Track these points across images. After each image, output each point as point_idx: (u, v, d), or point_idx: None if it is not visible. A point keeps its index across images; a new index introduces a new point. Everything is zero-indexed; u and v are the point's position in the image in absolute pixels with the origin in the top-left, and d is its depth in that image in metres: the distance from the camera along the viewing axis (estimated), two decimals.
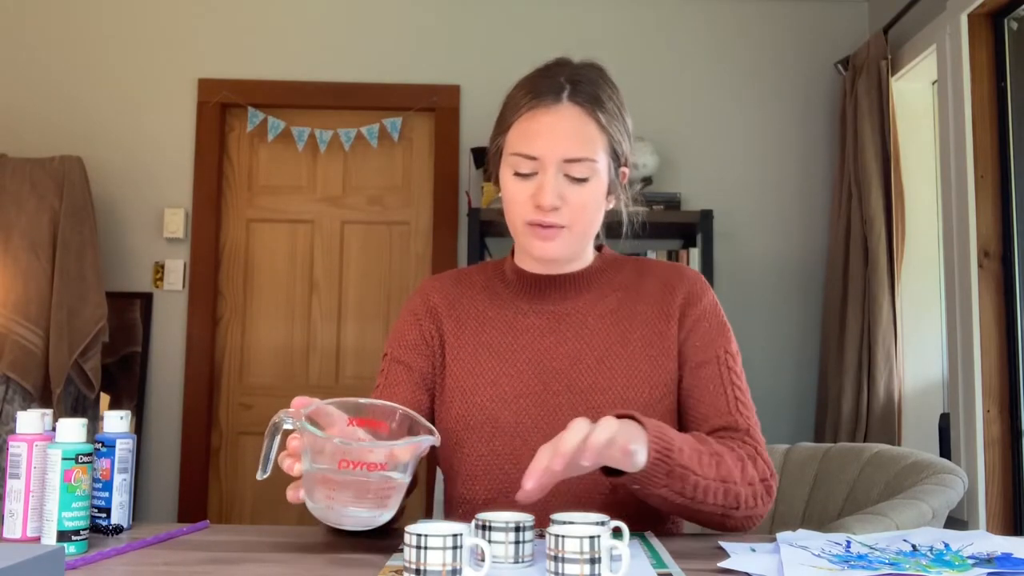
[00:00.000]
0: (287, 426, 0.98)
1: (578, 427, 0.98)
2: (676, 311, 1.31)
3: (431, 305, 1.36)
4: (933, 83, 2.98)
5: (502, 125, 1.26)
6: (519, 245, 1.32)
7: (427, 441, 0.99)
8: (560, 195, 1.21)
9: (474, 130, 3.32)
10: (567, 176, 1.21)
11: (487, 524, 0.97)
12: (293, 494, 1.01)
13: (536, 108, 1.21)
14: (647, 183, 3.11)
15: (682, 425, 1.30)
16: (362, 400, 1.06)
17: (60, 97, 3.36)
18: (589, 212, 1.24)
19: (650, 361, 1.28)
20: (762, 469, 1.20)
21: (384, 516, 0.99)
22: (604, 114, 1.23)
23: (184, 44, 3.40)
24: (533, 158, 1.21)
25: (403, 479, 0.99)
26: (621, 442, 1.01)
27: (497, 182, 1.29)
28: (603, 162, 1.23)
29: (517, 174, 1.23)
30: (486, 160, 1.37)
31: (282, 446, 1.02)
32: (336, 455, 0.95)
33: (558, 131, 1.20)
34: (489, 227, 2.99)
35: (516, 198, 1.24)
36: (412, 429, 1.04)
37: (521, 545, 0.96)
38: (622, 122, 1.26)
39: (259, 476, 0.99)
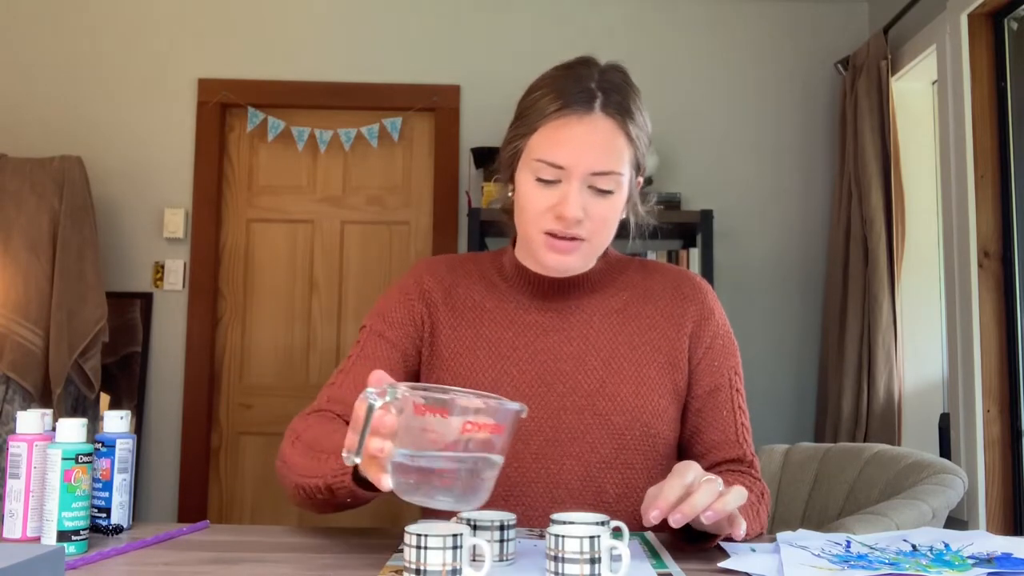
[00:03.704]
0: (377, 404, 0.86)
1: (708, 488, 0.95)
2: (688, 323, 1.29)
3: (424, 288, 1.30)
4: (933, 83, 2.98)
5: (525, 127, 1.20)
6: (531, 253, 1.26)
7: (512, 407, 0.86)
8: (583, 207, 1.17)
9: (474, 130, 3.31)
10: (591, 188, 1.17)
11: (472, 522, 0.97)
12: (377, 475, 0.87)
13: (567, 116, 1.16)
14: (647, 183, 3.11)
15: (684, 440, 1.30)
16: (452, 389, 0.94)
17: (60, 97, 3.36)
18: (609, 225, 1.22)
19: (658, 368, 1.26)
20: (767, 502, 1.24)
21: (475, 501, 0.87)
22: (634, 126, 1.19)
23: (184, 44, 3.39)
24: (559, 167, 1.16)
25: (497, 459, 0.88)
26: (734, 513, 1.00)
27: (507, 182, 1.26)
28: (627, 174, 1.20)
29: (539, 180, 1.18)
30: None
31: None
32: (428, 429, 0.84)
33: (589, 143, 1.16)
34: (489, 227, 2.98)
35: (535, 206, 1.19)
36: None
37: (505, 543, 0.97)
38: (646, 131, 1.23)
39: (350, 461, 0.87)
